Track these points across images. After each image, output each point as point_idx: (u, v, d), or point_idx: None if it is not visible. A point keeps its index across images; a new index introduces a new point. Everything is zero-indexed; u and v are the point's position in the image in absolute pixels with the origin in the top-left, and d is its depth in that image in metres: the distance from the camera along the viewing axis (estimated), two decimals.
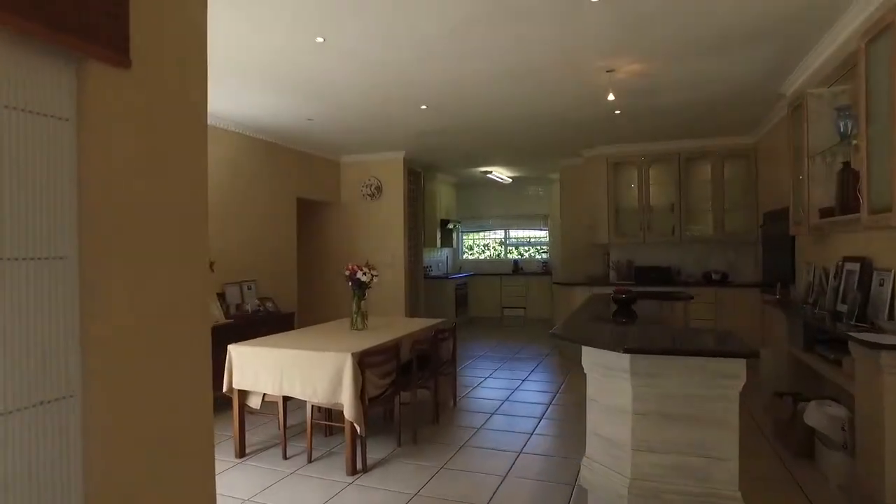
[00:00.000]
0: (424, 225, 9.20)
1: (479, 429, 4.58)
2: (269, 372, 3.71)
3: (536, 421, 4.78)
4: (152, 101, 1.50)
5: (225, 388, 3.85)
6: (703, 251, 7.39)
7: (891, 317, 3.19)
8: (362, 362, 3.59)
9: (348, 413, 3.48)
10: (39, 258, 1.22)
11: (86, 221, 1.32)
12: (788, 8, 3.44)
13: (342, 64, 4.21)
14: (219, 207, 5.82)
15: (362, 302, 4.63)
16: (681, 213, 7.28)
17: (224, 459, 3.93)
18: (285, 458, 3.92)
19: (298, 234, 7.59)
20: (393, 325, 4.82)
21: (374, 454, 4.00)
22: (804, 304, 4.47)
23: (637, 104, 5.37)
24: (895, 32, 2.75)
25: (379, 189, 8.04)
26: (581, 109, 5.47)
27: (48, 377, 1.23)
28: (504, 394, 5.71)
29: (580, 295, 7.30)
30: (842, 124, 3.92)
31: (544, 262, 11.42)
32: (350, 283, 4.54)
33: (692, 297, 5.25)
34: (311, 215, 8.31)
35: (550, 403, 5.30)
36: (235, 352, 3.85)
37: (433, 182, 9.94)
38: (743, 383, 2.52)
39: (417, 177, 8.80)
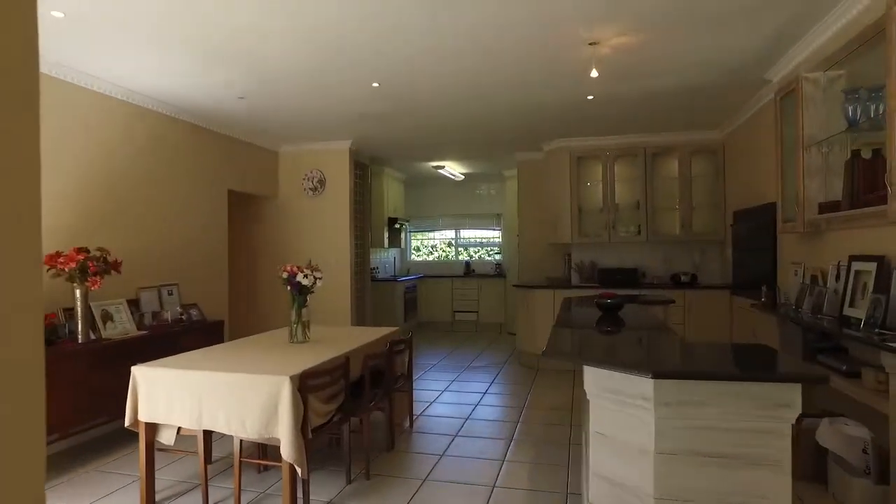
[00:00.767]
0: (371, 223, 8.47)
1: (441, 456, 3.93)
2: (186, 400, 2.92)
3: (506, 444, 4.18)
4: None
5: (128, 422, 3.03)
6: (669, 252, 7.03)
7: None
8: (304, 386, 2.87)
9: (287, 453, 2.75)
10: None
11: None
12: None
13: (280, 26, 3.48)
14: (132, 197, 4.92)
15: (303, 309, 3.89)
16: (647, 212, 6.89)
17: None
18: None
19: (231, 232, 6.72)
20: (339, 337, 4.11)
21: (318, 495, 3.28)
22: (797, 308, 4.07)
23: (613, 90, 4.88)
24: None
25: (322, 183, 7.27)
26: (553, 91, 4.91)
27: None
28: (464, 410, 5.08)
29: (542, 298, 6.79)
30: (850, 109, 3.53)
31: (497, 264, 10.91)
32: (289, 288, 3.80)
33: (673, 301, 4.81)
34: (245, 210, 7.44)
35: (518, 421, 4.72)
36: (142, 375, 3.04)
37: (381, 177, 9.23)
38: (798, 413, 1.99)
39: (364, 170, 8.07)
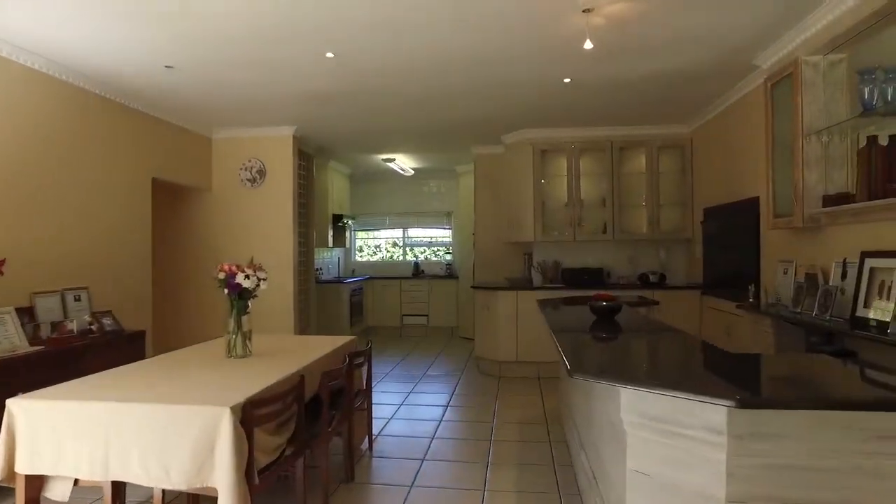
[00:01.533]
0: (315, 220, 7.74)
1: (410, 487, 3.35)
2: (86, 442, 2.20)
3: (482, 469, 3.63)
4: None
5: (1, 475, 2.26)
6: (635, 250, 6.72)
7: None
8: (249, 417, 2.22)
9: None
10: None
11: None
12: None
13: None
14: (31, 184, 4.05)
15: (244, 317, 3.22)
16: (614, 209, 6.56)
17: None
18: None
19: (157, 227, 5.87)
20: (288, 349, 3.45)
21: None
22: (797, 309, 3.76)
23: (594, 72, 4.44)
24: None
25: (262, 173, 6.51)
26: (529, 70, 4.41)
27: None
28: (428, 427, 4.51)
29: (504, 301, 6.32)
30: (867, 91, 3.22)
31: (448, 265, 10.39)
32: (226, 291, 3.11)
33: (657, 303, 4.43)
34: (174, 203, 6.57)
35: (490, 440, 4.19)
36: (22, 409, 2.28)
37: (325, 171, 8.52)
38: None
39: (309, 162, 7.35)
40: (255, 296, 3.21)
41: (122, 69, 4.33)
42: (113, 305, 4.73)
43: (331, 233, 8.74)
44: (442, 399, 5.46)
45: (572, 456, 3.45)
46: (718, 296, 5.38)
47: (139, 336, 4.60)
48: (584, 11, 3.31)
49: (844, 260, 3.49)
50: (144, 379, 2.68)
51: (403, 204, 10.60)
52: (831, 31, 3.53)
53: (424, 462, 3.75)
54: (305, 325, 6.92)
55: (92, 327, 4.23)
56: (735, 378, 1.95)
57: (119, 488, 2.41)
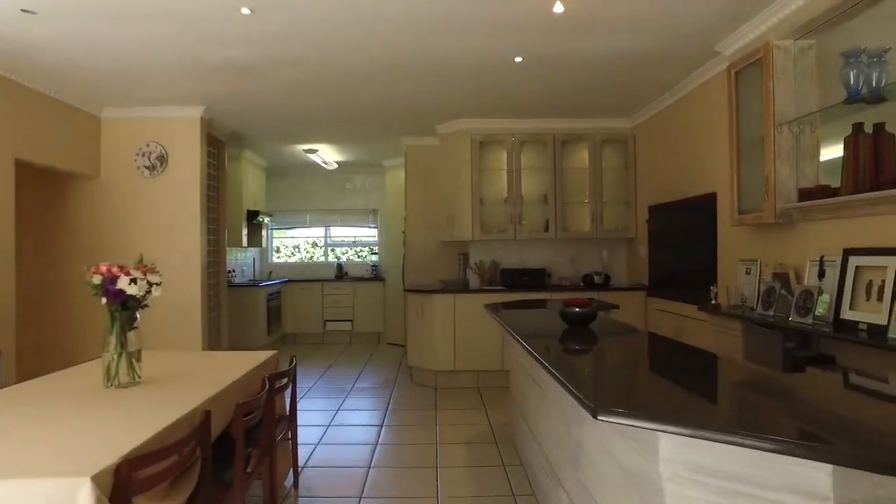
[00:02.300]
0: (228, 217, 6.87)
1: None
2: None
3: None
4: None
5: None
6: (578, 250, 6.40)
7: None
8: (125, 484, 1.54)
9: None
10: None
11: None
12: None
13: None
14: None
15: (130, 333, 2.47)
16: (556, 206, 6.20)
17: None
18: None
19: (22, 220, 4.85)
20: (191, 373, 2.74)
21: None
22: (767, 313, 3.48)
23: (550, 50, 4.00)
24: None
25: (162, 160, 5.60)
26: (479, 44, 3.91)
27: None
28: (362, 454, 3.89)
29: (441, 305, 5.81)
30: (852, 76, 2.96)
31: (374, 266, 9.74)
32: (104, 299, 2.37)
33: (617, 307, 4.05)
34: (49, 192, 5.52)
35: (437, 466, 3.64)
36: None
37: (239, 162, 7.64)
38: None
39: (220, 149, 6.48)
40: (146, 305, 2.48)
41: None
42: None
43: (245, 231, 7.87)
44: (375, 417, 4.85)
45: (541, 490, 2.97)
46: (667, 297, 5.12)
47: None
48: None
49: (822, 258, 3.24)
50: None
51: (325, 200, 9.84)
52: (800, 17, 3.27)
53: (362, 500, 3.14)
54: (216, 336, 6.06)
55: None
56: (832, 421, 1.50)
57: None
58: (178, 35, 3.72)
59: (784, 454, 1.11)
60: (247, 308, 7.56)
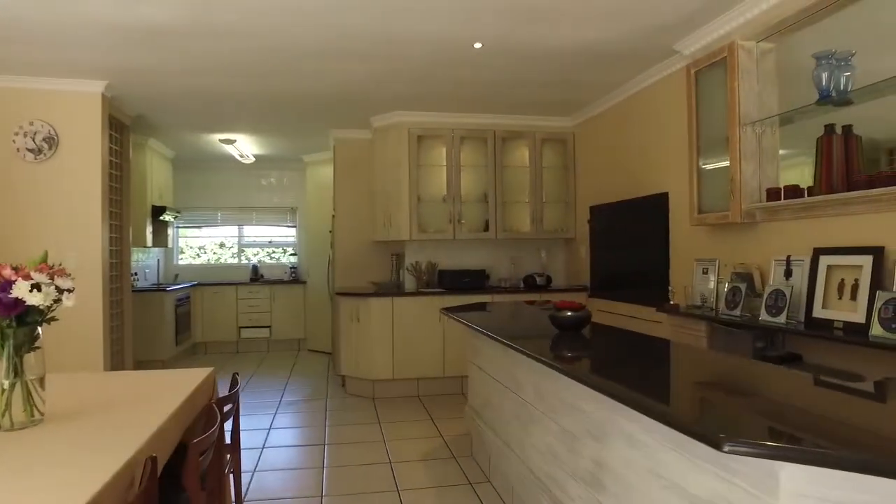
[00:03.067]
0: (131, 212, 6.05)
1: None
2: None
3: None
4: None
5: None
6: (518, 250, 6.24)
7: None
8: None
9: None
10: None
11: None
12: None
13: None
14: None
15: (29, 355, 1.92)
16: (496, 205, 6.00)
17: None
18: None
19: None
20: (112, 403, 2.21)
21: None
22: (733, 312, 3.43)
23: (513, 36, 3.74)
24: None
25: (51, 142, 4.77)
26: (436, 25, 3.58)
27: None
28: (309, 481, 3.44)
29: (378, 310, 5.43)
30: (824, 77, 2.94)
31: (293, 268, 9.11)
32: None
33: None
34: None
35: (397, 490, 3.27)
36: None
37: (143, 151, 6.81)
38: None
39: (123, 133, 5.68)
40: (54, 318, 1.94)
41: None
42: None
43: (150, 229, 7.02)
44: (314, 435, 4.38)
45: None
46: (611, 297, 5.07)
47: None
48: None
49: (789, 257, 3.23)
50: None
51: (239, 197, 9.08)
52: (766, 18, 3.25)
53: None
54: (118, 349, 5.28)
55: None
56: None
57: None
58: None
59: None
60: (152, 316, 6.73)
